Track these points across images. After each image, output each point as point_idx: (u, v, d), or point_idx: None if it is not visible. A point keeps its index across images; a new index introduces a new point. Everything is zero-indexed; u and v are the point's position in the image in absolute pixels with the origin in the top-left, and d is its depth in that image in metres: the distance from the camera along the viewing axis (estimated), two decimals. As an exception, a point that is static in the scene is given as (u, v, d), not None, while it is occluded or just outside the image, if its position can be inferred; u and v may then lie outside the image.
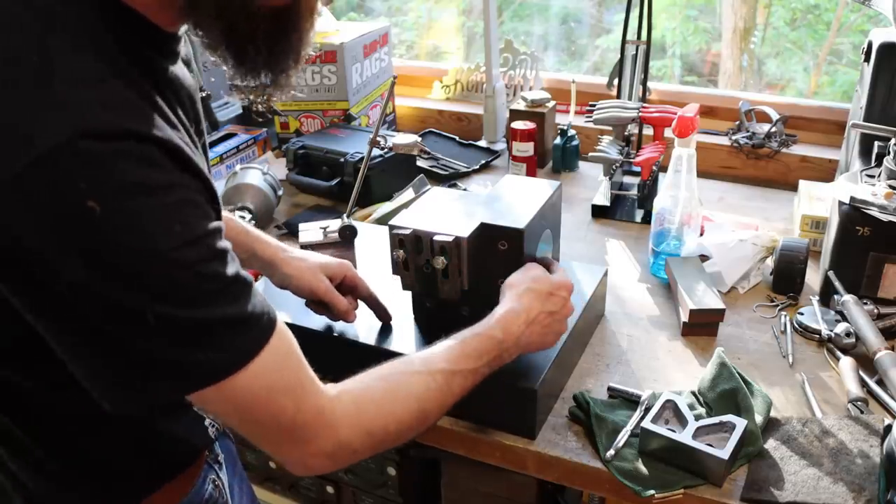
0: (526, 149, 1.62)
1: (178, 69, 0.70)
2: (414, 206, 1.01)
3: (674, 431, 0.88)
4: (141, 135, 0.56)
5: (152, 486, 0.78)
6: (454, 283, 0.93)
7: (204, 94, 1.84)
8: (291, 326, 1.02)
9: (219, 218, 0.64)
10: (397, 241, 0.94)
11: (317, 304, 1.03)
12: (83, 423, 0.71)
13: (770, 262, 1.25)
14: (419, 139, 1.52)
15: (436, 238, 0.91)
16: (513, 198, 1.00)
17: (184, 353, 0.59)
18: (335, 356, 1.02)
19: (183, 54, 0.72)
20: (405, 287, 1.00)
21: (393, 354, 0.96)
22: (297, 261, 1.02)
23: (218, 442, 0.90)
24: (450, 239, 0.90)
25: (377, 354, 0.97)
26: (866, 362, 1.01)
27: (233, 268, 0.62)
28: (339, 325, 1.03)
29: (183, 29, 0.69)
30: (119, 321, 0.57)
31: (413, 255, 0.94)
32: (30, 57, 0.55)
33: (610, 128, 1.52)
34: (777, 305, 1.18)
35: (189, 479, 0.82)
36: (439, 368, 0.78)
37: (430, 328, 1.01)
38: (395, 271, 0.98)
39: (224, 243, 0.62)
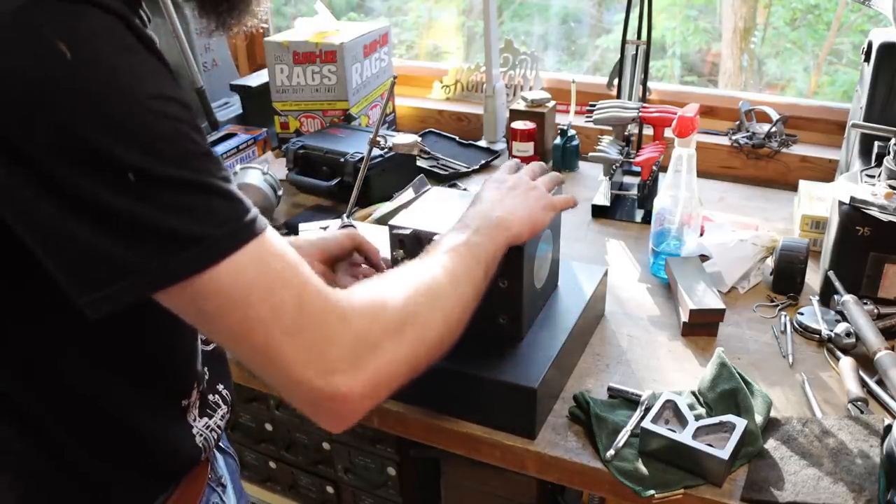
0: (526, 149, 1.62)
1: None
2: (414, 206, 1.01)
3: (674, 431, 0.88)
4: (106, 5, 0.54)
5: (146, 500, 0.74)
6: (454, 283, 0.93)
7: (200, 87, 1.84)
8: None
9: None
10: (397, 241, 0.94)
11: None
12: (67, 425, 0.67)
13: (770, 262, 1.25)
14: (419, 139, 1.52)
15: (436, 238, 0.91)
16: (513, 198, 1.00)
17: (175, 221, 0.53)
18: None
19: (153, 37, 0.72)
20: (405, 287, 1.00)
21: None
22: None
23: (221, 459, 0.86)
24: (450, 239, 0.90)
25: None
26: (866, 362, 1.01)
27: (213, 152, 0.58)
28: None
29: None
30: (98, 182, 0.51)
31: (413, 255, 0.94)
32: None
33: (610, 128, 1.52)
34: (777, 305, 1.18)
35: (190, 499, 0.77)
36: (430, 260, 0.76)
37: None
38: (395, 271, 0.98)
39: (201, 127, 0.58)
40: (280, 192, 1.55)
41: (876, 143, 1.25)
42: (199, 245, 0.54)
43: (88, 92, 0.51)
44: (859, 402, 0.95)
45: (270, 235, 0.59)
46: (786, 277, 1.20)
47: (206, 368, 0.80)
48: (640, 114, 1.45)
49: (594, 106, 1.51)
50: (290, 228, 1.48)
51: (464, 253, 0.77)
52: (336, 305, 0.61)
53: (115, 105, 0.52)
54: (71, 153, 0.51)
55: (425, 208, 0.99)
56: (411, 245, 0.93)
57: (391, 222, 0.95)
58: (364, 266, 1.07)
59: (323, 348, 0.59)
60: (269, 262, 0.57)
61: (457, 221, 0.85)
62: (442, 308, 0.70)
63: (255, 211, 0.58)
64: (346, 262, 1.06)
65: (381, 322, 0.63)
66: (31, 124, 0.50)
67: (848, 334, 1.06)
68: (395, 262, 0.96)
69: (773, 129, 1.66)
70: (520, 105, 1.73)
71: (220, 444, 0.88)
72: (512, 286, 0.94)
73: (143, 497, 0.74)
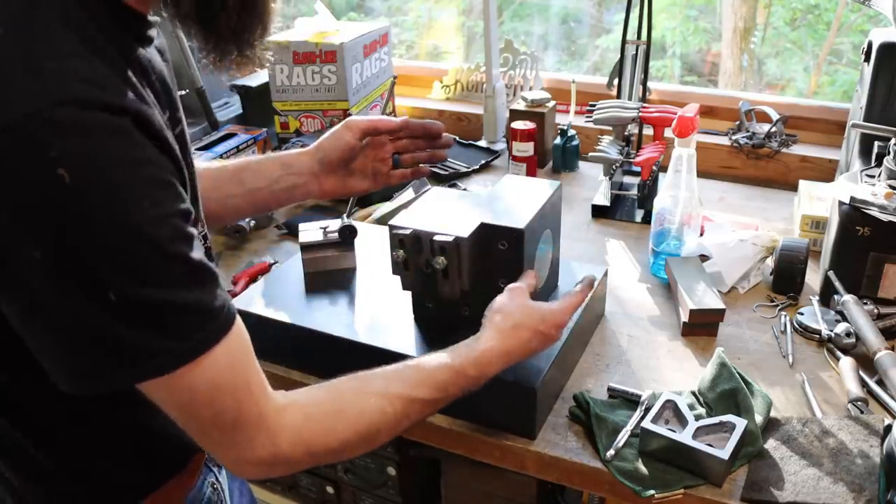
0: (526, 149, 1.62)
1: (151, 54, 0.70)
2: (414, 206, 1.01)
3: (674, 431, 0.88)
4: (117, 107, 0.56)
5: (149, 486, 0.78)
6: (454, 283, 0.93)
7: (200, 88, 1.84)
8: (291, 326, 1.03)
9: (192, 202, 0.63)
10: (397, 241, 0.94)
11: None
12: (73, 420, 0.71)
13: (770, 262, 1.25)
14: (419, 139, 1.51)
15: (436, 238, 0.91)
16: (513, 198, 1.00)
17: (142, 336, 0.58)
18: (335, 356, 1.02)
19: (157, 43, 0.71)
20: (405, 287, 1.00)
21: (392, 354, 0.96)
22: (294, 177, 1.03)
23: None
24: (450, 239, 0.90)
25: (377, 355, 0.97)
26: (866, 362, 1.01)
27: (198, 254, 0.61)
28: (339, 326, 1.03)
29: (156, 19, 0.69)
30: (80, 297, 0.55)
31: (413, 255, 0.94)
32: (10, 30, 0.55)
33: (610, 128, 1.52)
34: (777, 305, 1.18)
35: (187, 481, 0.81)
36: (398, 393, 0.74)
37: (430, 328, 1.01)
38: (395, 271, 0.98)
39: (191, 229, 0.61)
40: (280, 192, 1.55)
41: (876, 143, 1.25)
42: (161, 357, 0.59)
43: (83, 216, 0.54)
44: (859, 402, 0.95)
45: (228, 341, 0.63)
46: (786, 277, 1.20)
47: None
48: (640, 114, 1.45)
49: (594, 106, 1.51)
50: (289, 228, 1.48)
51: (430, 408, 0.78)
52: (270, 426, 0.67)
53: (109, 232, 0.55)
54: (61, 267, 0.54)
55: (425, 208, 0.99)
56: (411, 245, 0.93)
57: (391, 222, 0.95)
58: (388, 148, 1.05)
59: (243, 449, 0.66)
60: (220, 371, 0.63)
61: (468, 363, 0.80)
62: (373, 440, 0.75)
63: (225, 310, 0.63)
64: (360, 159, 1.05)
65: (305, 455, 0.69)
66: (26, 234, 0.53)
67: (848, 334, 1.06)
68: (394, 262, 0.96)
69: (773, 129, 1.66)
70: (520, 105, 1.73)
71: None
72: (512, 286, 0.94)
73: (152, 481, 0.78)
